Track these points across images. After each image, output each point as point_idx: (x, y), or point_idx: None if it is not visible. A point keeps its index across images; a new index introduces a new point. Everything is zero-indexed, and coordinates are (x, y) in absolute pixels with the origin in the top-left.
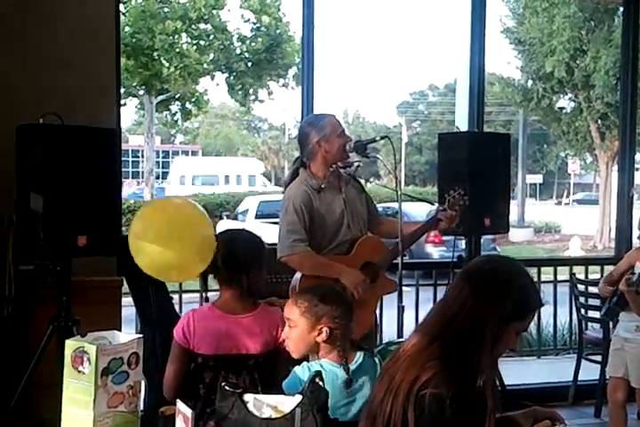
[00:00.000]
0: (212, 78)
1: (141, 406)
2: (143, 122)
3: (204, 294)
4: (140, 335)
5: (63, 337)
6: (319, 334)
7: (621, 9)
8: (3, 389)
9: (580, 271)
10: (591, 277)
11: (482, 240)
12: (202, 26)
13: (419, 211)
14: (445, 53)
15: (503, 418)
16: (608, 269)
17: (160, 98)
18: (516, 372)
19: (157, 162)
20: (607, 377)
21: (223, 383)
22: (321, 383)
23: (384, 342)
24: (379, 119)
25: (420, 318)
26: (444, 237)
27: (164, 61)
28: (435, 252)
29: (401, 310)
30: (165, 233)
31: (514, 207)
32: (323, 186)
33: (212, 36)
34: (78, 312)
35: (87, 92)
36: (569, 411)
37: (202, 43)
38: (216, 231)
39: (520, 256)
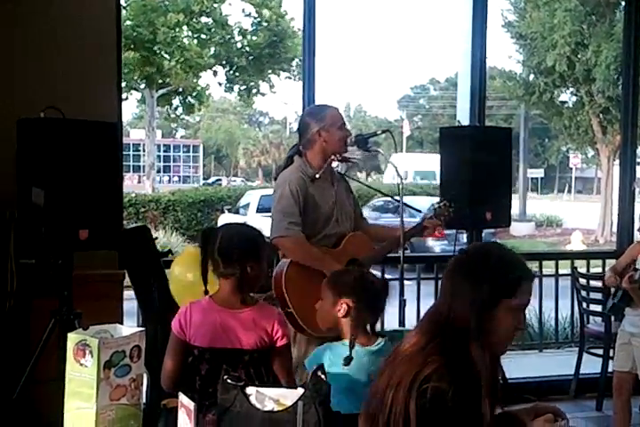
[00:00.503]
0: (215, 75)
1: (143, 399)
2: (144, 116)
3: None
4: (142, 329)
5: (65, 331)
6: (339, 310)
7: (623, 3)
8: (5, 383)
9: (581, 265)
10: (593, 270)
11: (483, 234)
12: (203, 19)
13: (421, 204)
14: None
15: (504, 414)
16: (610, 262)
17: (161, 92)
18: (518, 365)
19: (158, 156)
20: (612, 371)
21: (225, 376)
22: (323, 377)
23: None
24: (380, 113)
25: (422, 312)
26: (446, 231)
27: (165, 55)
28: (436, 246)
29: (402, 303)
30: None
31: (515, 201)
32: (317, 176)
33: (213, 30)
34: (80, 306)
35: (88, 85)
36: (570, 404)
37: (203, 36)
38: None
39: (521, 250)
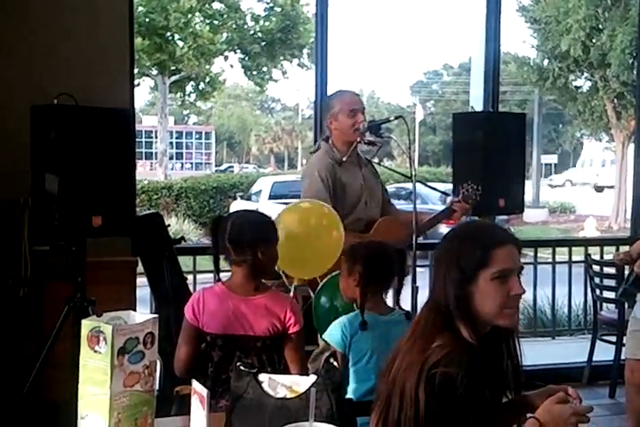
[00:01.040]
0: (226, 59)
1: (157, 386)
2: (156, 102)
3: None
4: (156, 315)
5: (79, 317)
6: (354, 280)
7: None
8: (19, 369)
9: (595, 252)
10: (606, 257)
11: (496, 220)
12: (215, 5)
13: (433, 192)
14: (460, 33)
15: (517, 398)
16: (623, 249)
17: (173, 78)
18: (531, 352)
19: (171, 142)
20: (623, 359)
21: (238, 363)
22: (335, 363)
23: None
24: (393, 99)
25: None
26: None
27: (177, 42)
28: None
29: (415, 290)
30: None
31: (529, 188)
32: (344, 159)
33: (225, 16)
34: (93, 292)
35: (101, 72)
36: (583, 391)
37: (215, 22)
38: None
39: (535, 236)
